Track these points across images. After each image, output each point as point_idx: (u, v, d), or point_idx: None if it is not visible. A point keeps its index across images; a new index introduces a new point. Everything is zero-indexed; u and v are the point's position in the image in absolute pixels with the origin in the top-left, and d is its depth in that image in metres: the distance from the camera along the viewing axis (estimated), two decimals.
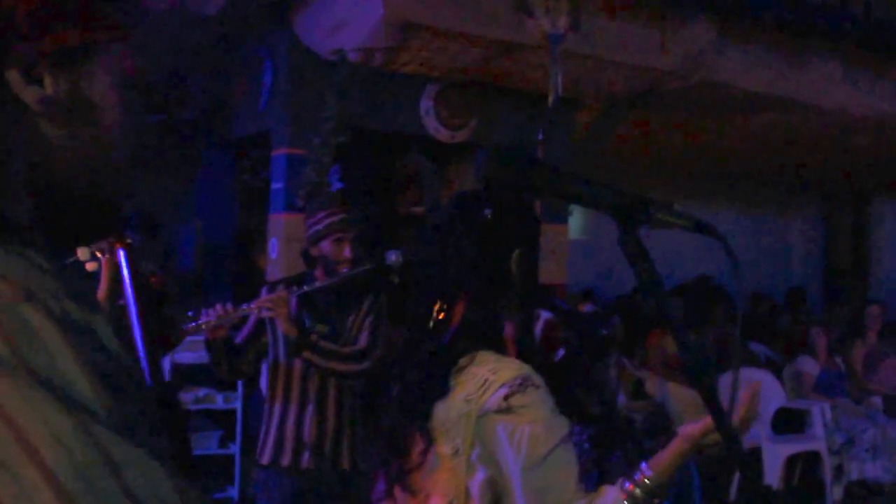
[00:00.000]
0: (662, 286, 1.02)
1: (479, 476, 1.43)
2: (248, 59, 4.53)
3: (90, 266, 1.23)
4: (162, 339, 2.72)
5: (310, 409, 2.85)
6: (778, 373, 6.00)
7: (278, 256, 4.17)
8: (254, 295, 2.95)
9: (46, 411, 0.50)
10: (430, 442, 1.44)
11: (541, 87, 4.44)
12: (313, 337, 2.79)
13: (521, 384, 1.41)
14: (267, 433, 2.89)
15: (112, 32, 0.67)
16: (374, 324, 2.90)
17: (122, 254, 1.15)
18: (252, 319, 2.89)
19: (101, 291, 1.15)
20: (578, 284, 6.59)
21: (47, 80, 0.64)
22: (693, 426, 1.44)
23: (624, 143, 5.76)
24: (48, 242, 0.65)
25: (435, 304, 1.54)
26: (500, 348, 1.52)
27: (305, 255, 2.93)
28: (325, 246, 2.86)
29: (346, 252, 2.84)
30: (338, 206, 2.90)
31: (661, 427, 4.99)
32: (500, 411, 1.39)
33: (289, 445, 2.84)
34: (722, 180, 7.09)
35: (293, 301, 2.87)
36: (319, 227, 2.87)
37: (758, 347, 6.51)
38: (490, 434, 1.41)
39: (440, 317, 1.54)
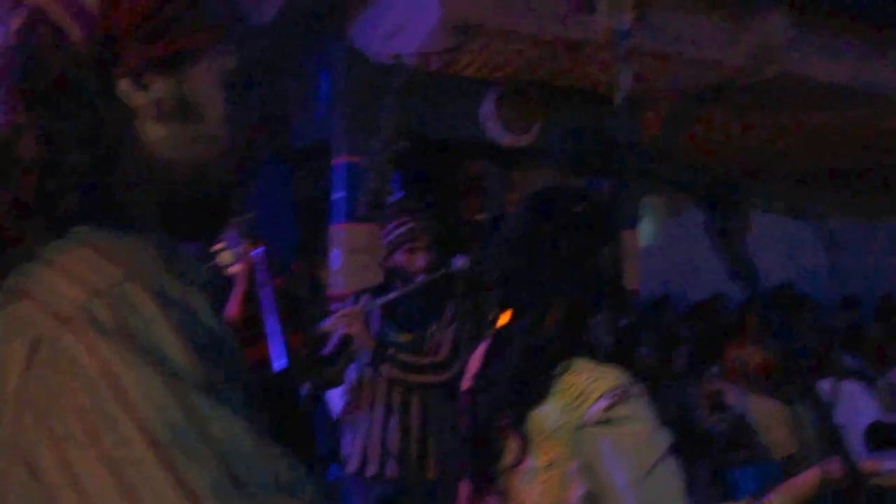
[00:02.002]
0: (756, 274, 0.95)
1: (578, 491, 1.38)
2: (304, 67, 4.49)
3: (233, 269, 1.22)
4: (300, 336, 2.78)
5: (394, 419, 2.86)
6: (871, 385, 5.65)
7: (341, 267, 4.09)
8: (315, 306, 2.96)
9: (143, 372, 0.57)
10: (526, 443, 1.40)
11: (606, 86, 4.28)
12: (390, 350, 2.79)
13: (622, 394, 1.36)
14: (353, 442, 2.91)
15: (213, 35, 0.72)
16: (456, 332, 2.87)
17: (258, 253, 1.14)
18: (338, 331, 2.90)
19: (239, 293, 1.13)
20: (648, 293, 6.37)
21: (155, 85, 0.69)
22: (837, 463, 1.36)
23: (694, 145, 5.54)
24: (171, 237, 0.72)
25: (529, 306, 1.48)
26: (592, 353, 1.45)
27: (385, 266, 2.95)
28: (399, 257, 2.87)
29: (420, 261, 2.84)
30: (406, 215, 2.88)
31: (743, 441, 4.78)
32: (600, 423, 1.35)
33: (374, 454, 2.85)
34: (800, 182, 6.78)
35: (375, 312, 2.88)
36: (391, 238, 2.88)
37: (846, 358, 6.16)
38: (590, 446, 1.36)
39: (533, 320, 1.48)
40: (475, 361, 1.64)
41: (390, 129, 3.99)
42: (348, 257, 4.09)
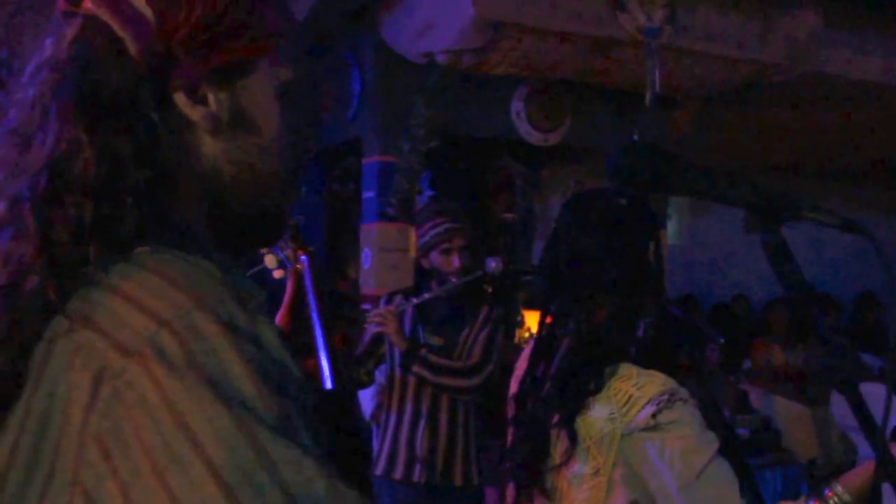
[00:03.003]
0: (809, 289, 0.94)
1: (621, 499, 1.38)
2: (335, 66, 4.48)
3: (277, 274, 1.21)
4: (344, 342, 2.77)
5: (422, 422, 2.84)
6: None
7: (371, 266, 4.08)
8: (345, 305, 2.95)
9: (212, 411, 0.55)
10: (574, 443, 1.40)
11: (636, 84, 4.25)
12: (422, 351, 2.76)
13: (668, 400, 1.35)
14: (381, 445, 2.91)
15: (265, 45, 0.70)
16: (488, 337, 2.85)
17: (305, 260, 1.13)
18: (370, 331, 2.89)
19: (287, 298, 1.12)
20: (674, 291, 6.33)
21: (210, 98, 0.68)
22: None
23: (724, 144, 5.50)
24: (225, 251, 0.71)
25: (577, 307, 1.48)
26: (637, 356, 1.45)
27: (419, 266, 2.96)
28: (434, 257, 2.86)
29: (455, 262, 2.82)
30: (442, 215, 2.88)
31: (768, 443, 4.76)
32: (647, 429, 1.35)
33: (401, 458, 2.84)
34: (824, 180, 6.73)
35: (409, 313, 2.86)
36: (426, 238, 2.87)
37: (870, 358, 6.11)
38: (637, 453, 1.35)
39: (581, 320, 1.48)
40: (521, 365, 1.64)
41: (421, 127, 3.97)
42: (379, 257, 4.08)
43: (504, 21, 3.86)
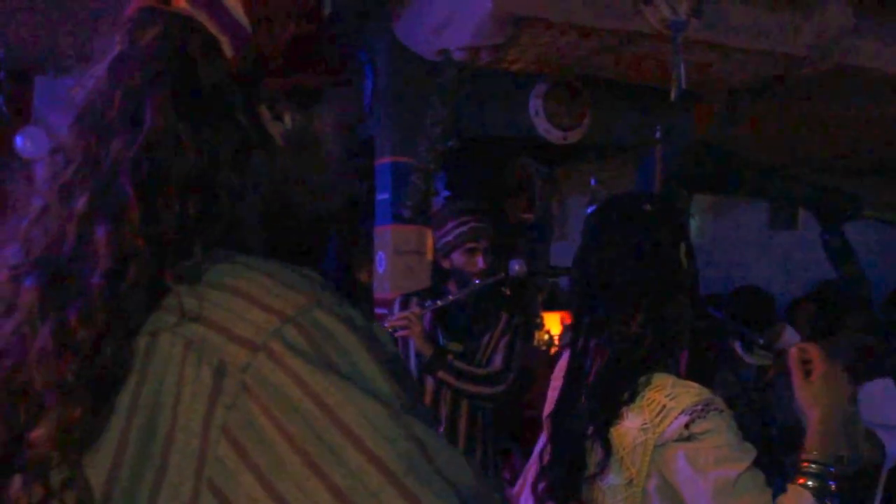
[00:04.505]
0: (868, 287, 0.87)
1: None
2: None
3: None
4: None
5: (440, 428, 2.78)
6: None
7: (386, 270, 3.97)
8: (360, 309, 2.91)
9: (363, 403, 0.55)
10: (608, 453, 1.39)
11: (659, 80, 4.11)
12: (449, 357, 2.70)
13: (702, 410, 1.34)
14: None
15: (338, 77, 0.74)
16: (509, 344, 2.80)
17: None
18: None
19: None
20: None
21: (287, 117, 0.71)
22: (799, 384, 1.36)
23: (751, 139, 5.36)
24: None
25: (611, 316, 1.46)
26: (674, 364, 1.44)
27: (437, 267, 2.92)
28: (457, 257, 2.81)
29: (480, 263, 2.78)
30: (467, 214, 2.81)
31: (799, 442, 4.65)
32: (680, 439, 1.33)
33: None
34: (857, 176, 6.58)
35: (427, 317, 2.80)
36: (449, 237, 2.81)
37: None
38: (670, 463, 1.34)
39: (616, 328, 1.46)
40: (556, 381, 1.61)
41: (437, 127, 3.85)
42: (394, 259, 3.97)
43: (523, 15, 3.74)
